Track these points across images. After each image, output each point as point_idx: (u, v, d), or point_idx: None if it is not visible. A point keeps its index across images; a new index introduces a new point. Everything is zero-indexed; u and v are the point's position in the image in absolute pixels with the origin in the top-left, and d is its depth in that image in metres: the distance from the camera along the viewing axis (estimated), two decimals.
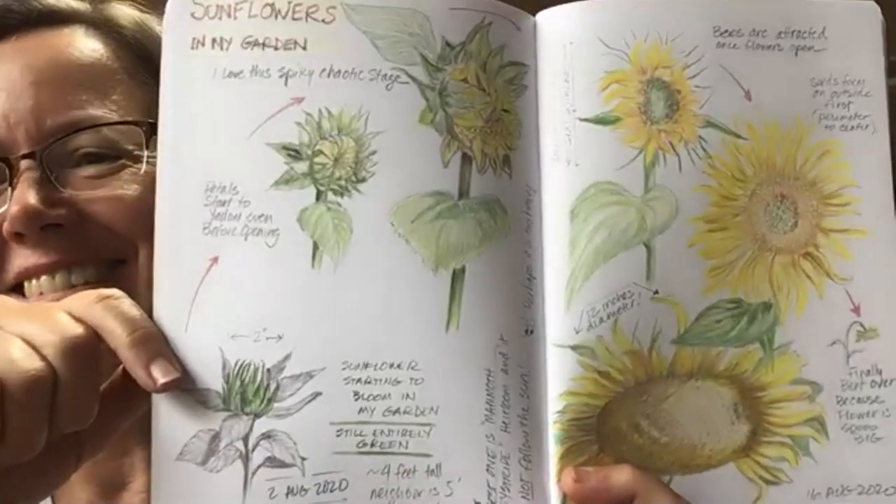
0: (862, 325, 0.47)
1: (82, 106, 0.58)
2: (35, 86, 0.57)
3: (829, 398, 0.46)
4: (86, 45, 0.61)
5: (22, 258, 0.56)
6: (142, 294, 0.52)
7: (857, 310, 0.47)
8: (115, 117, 0.58)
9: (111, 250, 0.57)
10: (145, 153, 0.57)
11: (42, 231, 0.55)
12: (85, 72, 0.59)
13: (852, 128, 0.48)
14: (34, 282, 0.56)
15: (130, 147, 0.58)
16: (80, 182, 0.57)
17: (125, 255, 0.57)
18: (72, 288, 0.56)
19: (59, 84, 0.58)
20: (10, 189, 0.55)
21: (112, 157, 0.57)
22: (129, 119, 0.58)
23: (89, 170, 0.57)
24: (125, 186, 0.57)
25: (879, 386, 0.47)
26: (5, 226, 0.55)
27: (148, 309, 0.44)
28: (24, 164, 0.56)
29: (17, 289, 0.57)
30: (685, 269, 0.46)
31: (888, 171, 0.48)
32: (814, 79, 0.48)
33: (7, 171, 0.56)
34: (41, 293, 0.56)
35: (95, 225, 0.56)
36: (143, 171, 0.57)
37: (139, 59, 0.62)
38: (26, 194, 0.54)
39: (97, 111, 0.58)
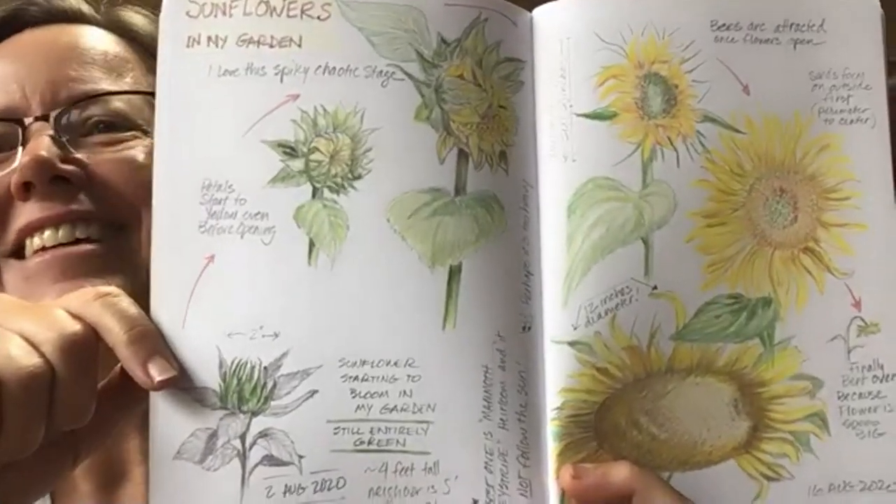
0: (863, 320, 0.46)
1: (97, 82, 0.60)
2: (53, 61, 0.60)
3: (830, 394, 0.46)
4: (102, 37, 0.64)
5: (26, 214, 0.57)
6: (142, 259, 0.55)
7: (857, 304, 0.47)
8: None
9: (115, 213, 0.58)
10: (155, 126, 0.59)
11: (50, 184, 0.56)
12: (100, 55, 0.62)
13: (852, 121, 0.48)
14: (36, 238, 0.57)
15: (140, 121, 0.61)
16: (90, 147, 0.59)
17: (128, 219, 0.58)
18: (76, 242, 0.57)
19: (75, 61, 0.61)
20: (19, 150, 0.57)
21: (123, 128, 0.60)
22: (139, 90, 0.61)
23: (101, 137, 0.59)
24: (133, 153, 0.59)
25: (881, 381, 0.46)
26: (14, 178, 0.56)
27: (148, 274, 0.45)
28: (37, 125, 0.58)
29: (17, 254, 0.58)
30: (684, 265, 0.46)
31: (888, 164, 0.48)
32: (812, 72, 0.48)
33: (21, 133, 0.58)
34: (43, 248, 0.57)
35: (102, 186, 0.58)
36: (151, 143, 0.59)
37: (151, 56, 0.64)
38: (39, 147, 0.56)
39: (111, 87, 0.60)
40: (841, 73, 0.48)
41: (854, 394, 0.46)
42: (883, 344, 0.46)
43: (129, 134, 0.60)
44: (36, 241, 0.57)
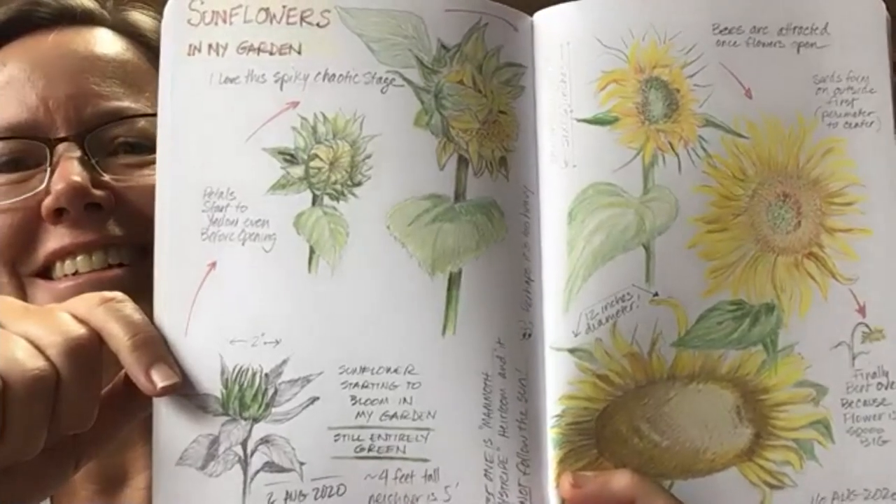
0: (867, 327, 0.46)
1: (120, 98, 0.59)
2: (75, 74, 0.59)
3: (834, 401, 0.46)
4: (118, 44, 0.63)
5: (57, 238, 0.57)
6: None
7: (862, 310, 0.46)
8: (149, 111, 0.60)
9: (143, 237, 0.57)
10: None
11: (84, 209, 0.56)
12: (120, 67, 0.61)
13: (856, 125, 0.47)
14: (68, 262, 0.57)
15: None
16: (118, 169, 0.58)
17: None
18: (108, 268, 0.57)
19: (97, 75, 0.60)
20: (48, 171, 0.57)
21: (148, 149, 0.59)
22: None
23: (126, 159, 0.59)
24: None
25: (886, 388, 0.46)
26: (48, 201, 0.56)
27: None
28: (64, 146, 0.57)
29: (43, 274, 0.58)
30: (685, 271, 0.45)
31: (893, 168, 0.47)
32: (816, 76, 0.47)
33: (47, 152, 0.57)
34: (75, 272, 0.57)
35: (131, 210, 0.57)
36: None
37: None
38: (72, 172, 0.55)
39: (134, 104, 0.60)
40: (845, 77, 0.47)
41: (858, 401, 0.46)
42: (888, 350, 0.46)
43: (153, 156, 0.58)
44: (68, 266, 0.57)
